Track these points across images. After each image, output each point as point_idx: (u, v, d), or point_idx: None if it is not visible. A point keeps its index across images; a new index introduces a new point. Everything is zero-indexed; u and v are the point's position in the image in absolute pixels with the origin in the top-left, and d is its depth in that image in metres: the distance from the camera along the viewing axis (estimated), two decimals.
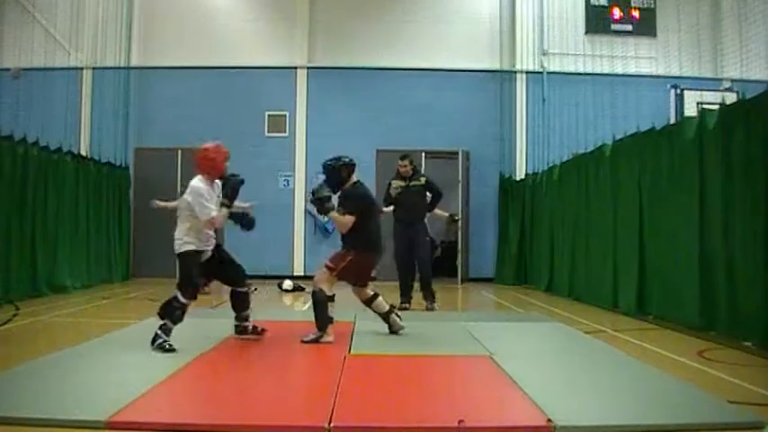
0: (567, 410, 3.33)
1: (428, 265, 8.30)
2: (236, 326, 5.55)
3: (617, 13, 13.10)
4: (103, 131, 12.87)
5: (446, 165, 12.36)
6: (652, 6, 13.12)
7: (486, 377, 4.28)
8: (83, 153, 11.85)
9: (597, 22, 13.11)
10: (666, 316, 6.82)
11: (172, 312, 5.07)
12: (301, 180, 12.91)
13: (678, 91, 11.80)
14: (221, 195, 5.28)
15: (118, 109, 13.00)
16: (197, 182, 5.21)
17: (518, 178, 12.88)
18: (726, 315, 5.79)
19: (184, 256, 5.27)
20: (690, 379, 4.20)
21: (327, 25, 13.35)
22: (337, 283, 5.59)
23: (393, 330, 5.80)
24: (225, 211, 5.23)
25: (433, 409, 3.52)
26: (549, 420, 3.16)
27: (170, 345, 4.91)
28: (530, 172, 12.57)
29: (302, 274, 12.39)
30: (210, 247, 5.37)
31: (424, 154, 12.28)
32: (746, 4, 12.07)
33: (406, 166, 8.09)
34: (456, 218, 9.95)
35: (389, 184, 8.20)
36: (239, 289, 5.56)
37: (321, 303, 5.42)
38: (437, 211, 8.58)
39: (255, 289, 10.09)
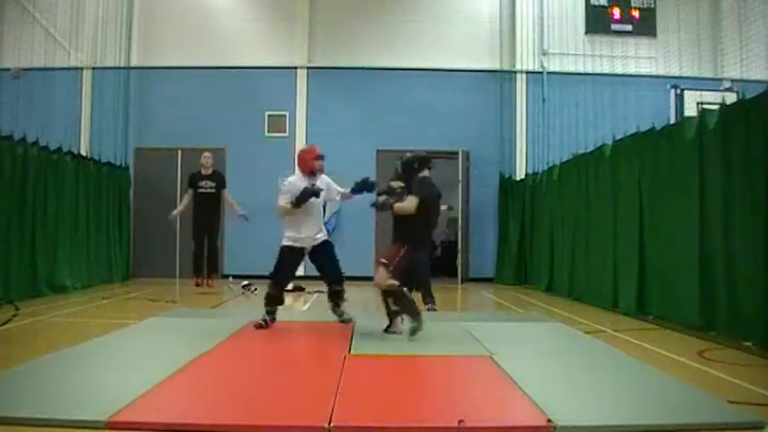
0: (567, 410, 3.33)
1: (426, 267, 8.29)
2: (332, 308, 6.28)
3: (617, 13, 13.09)
4: (103, 131, 12.87)
5: (446, 165, 12.34)
6: (652, 6, 13.11)
7: (486, 377, 4.28)
8: (83, 153, 11.84)
9: (597, 22, 13.11)
10: (666, 316, 6.83)
11: (267, 300, 6.06)
12: None
13: (678, 91, 11.81)
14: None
15: (118, 109, 12.99)
16: (289, 177, 6.22)
17: (518, 178, 12.88)
18: (726, 315, 5.79)
19: (280, 250, 6.10)
20: (690, 379, 4.21)
21: (327, 25, 13.34)
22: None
23: (390, 330, 5.80)
24: (288, 206, 5.93)
25: (433, 409, 3.52)
26: (549, 420, 3.16)
27: (261, 323, 5.94)
28: (530, 172, 12.58)
29: (302, 274, 12.31)
30: (310, 243, 6.11)
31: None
32: (746, 4, 12.07)
33: None
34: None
35: (388, 184, 8.19)
36: (335, 287, 6.22)
37: (399, 297, 5.54)
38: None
39: (256, 289, 10.13)
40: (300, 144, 13.02)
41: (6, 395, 3.52)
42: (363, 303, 8.80)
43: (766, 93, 5.50)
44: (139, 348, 5.10)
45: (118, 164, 12.40)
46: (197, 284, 9.65)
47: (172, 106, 12.91)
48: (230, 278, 11.31)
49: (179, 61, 13.00)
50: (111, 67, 13.08)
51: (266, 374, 4.35)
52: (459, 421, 3.11)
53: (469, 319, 6.94)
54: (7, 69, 12.15)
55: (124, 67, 13.13)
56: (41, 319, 6.86)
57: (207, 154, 9.99)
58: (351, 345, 5.26)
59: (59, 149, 10.09)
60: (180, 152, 12.72)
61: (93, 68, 13.07)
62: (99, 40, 13.08)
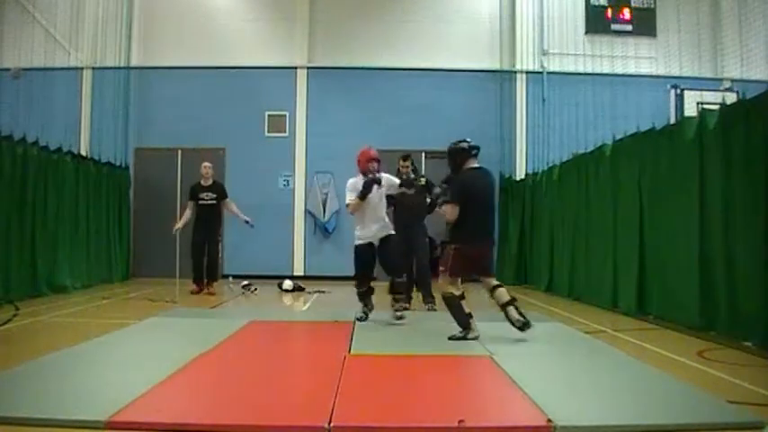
0: (567, 410, 3.33)
1: (427, 267, 8.29)
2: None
3: (617, 13, 13.10)
4: (103, 131, 12.87)
5: (446, 165, 12.31)
6: (652, 6, 13.11)
7: (486, 377, 4.28)
8: (83, 153, 11.84)
9: (597, 22, 13.11)
10: (666, 316, 6.82)
11: (359, 298, 6.57)
12: (301, 180, 12.91)
13: (678, 91, 11.80)
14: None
15: (118, 109, 12.98)
16: (350, 180, 6.61)
17: (518, 178, 12.87)
18: (726, 315, 5.78)
19: (354, 249, 6.57)
20: (690, 379, 4.20)
21: (327, 25, 13.34)
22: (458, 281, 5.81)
23: (510, 321, 5.64)
24: (356, 200, 6.36)
25: (433, 409, 3.52)
26: (550, 420, 3.15)
27: (361, 316, 6.50)
28: (530, 172, 12.57)
29: (302, 274, 12.39)
30: (377, 238, 6.51)
31: (424, 154, 12.28)
32: (746, 4, 12.07)
33: (407, 167, 8.10)
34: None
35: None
36: (391, 279, 6.58)
37: (452, 306, 5.65)
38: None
39: (256, 289, 10.13)
40: (300, 144, 13.06)
41: (6, 395, 3.52)
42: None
43: (766, 93, 5.50)
44: (139, 348, 5.10)
45: (118, 164, 12.40)
46: (194, 292, 9.65)
47: (172, 106, 12.90)
48: (230, 278, 11.31)
49: (179, 61, 13.00)
50: (111, 67, 13.07)
51: (266, 374, 4.35)
52: (460, 421, 3.11)
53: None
54: (7, 69, 12.14)
55: (124, 67, 13.12)
56: (41, 319, 6.86)
57: (207, 164, 9.96)
58: (351, 345, 5.26)
59: (59, 149, 10.10)
60: (180, 152, 12.73)
61: (93, 68, 13.07)
62: (99, 40, 13.07)
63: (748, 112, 5.67)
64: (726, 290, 5.79)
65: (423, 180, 8.22)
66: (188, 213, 9.85)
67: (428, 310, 7.93)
